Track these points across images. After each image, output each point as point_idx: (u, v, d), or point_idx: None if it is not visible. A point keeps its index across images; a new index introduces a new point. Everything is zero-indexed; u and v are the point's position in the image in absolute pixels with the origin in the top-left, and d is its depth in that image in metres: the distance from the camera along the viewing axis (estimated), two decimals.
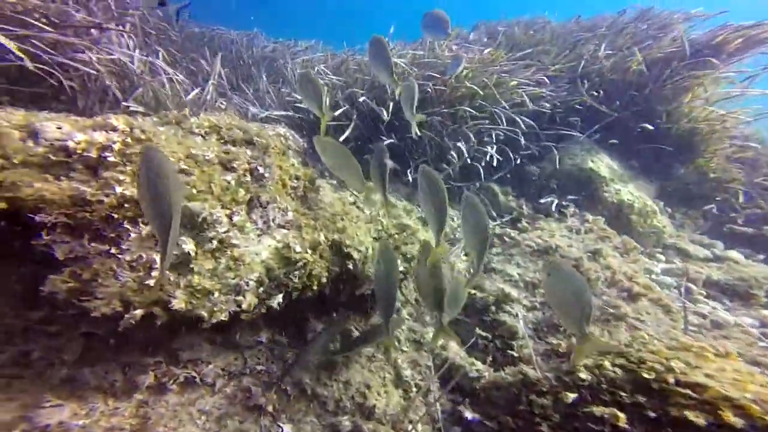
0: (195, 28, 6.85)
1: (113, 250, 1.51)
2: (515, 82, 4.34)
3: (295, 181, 2.46)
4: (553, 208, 4.16)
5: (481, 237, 1.86)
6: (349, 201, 3.17)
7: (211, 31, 7.00)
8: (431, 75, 3.97)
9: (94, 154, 1.57)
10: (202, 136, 2.27)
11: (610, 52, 5.06)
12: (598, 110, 4.78)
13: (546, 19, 6.40)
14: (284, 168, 2.33)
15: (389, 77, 2.69)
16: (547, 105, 4.58)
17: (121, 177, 1.59)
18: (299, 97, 3.88)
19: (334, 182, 3.45)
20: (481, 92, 3.97)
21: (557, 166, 4.43)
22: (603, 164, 4.53)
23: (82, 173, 1.57)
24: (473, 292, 2.77)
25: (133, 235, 1.55)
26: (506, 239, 3.62)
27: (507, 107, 4.10)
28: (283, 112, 4.05)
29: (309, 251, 1.94)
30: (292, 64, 5.39)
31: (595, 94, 4.85)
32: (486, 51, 4.66)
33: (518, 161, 4.42)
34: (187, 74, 4.60)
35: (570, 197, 4.28)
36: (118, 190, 1.55)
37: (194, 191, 1.74)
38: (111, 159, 1.61)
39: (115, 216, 1.53)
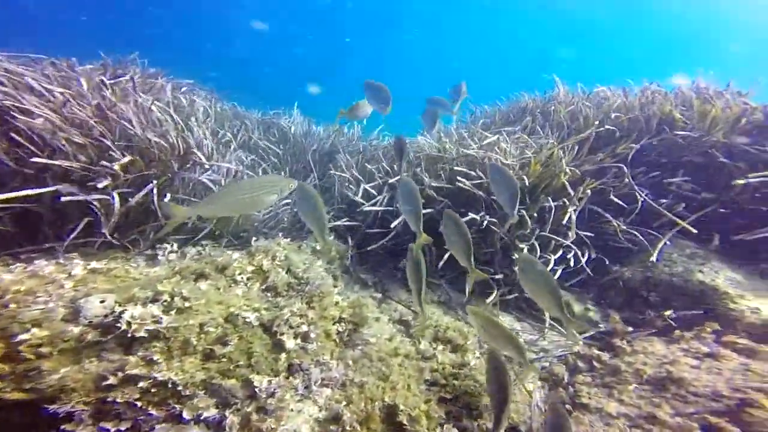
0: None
1: None
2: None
3: (341, 324, 2.30)
4: (659, 325, 3.28)
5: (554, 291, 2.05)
6: (395, 319, 2.96)
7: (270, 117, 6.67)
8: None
9: (132, 331, 1.49)
10: (245, 283, 2.22)
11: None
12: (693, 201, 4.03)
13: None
14: (328, 316, 2.18)
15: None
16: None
17: (155, 357, 1.48)
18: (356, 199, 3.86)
19: (378, 295, 3.28)
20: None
21: (650, 274, 3.71)
22: (719, 276, 3.58)
23: (115, 352, 1.48)
24: None
25: (158, 425, 1.40)
26: (596, 363, 2.84)
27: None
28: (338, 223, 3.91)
29: (358, 427, 1.70)
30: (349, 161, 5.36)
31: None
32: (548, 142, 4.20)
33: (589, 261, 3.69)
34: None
35: (678, 313, 3.37)
36: (151, 373, 1.44)
37: (231, 366, 1.60)
38: (145, 335, 1.52)
39: (139, 404, 1.40)
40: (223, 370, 1.58)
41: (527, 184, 3.62)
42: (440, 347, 2.59)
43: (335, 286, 2.93)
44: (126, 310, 1.51)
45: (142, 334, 1.48)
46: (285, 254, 2.54)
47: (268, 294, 2.19)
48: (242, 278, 2.23)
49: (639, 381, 2.52)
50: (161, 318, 1.55)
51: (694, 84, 5.08)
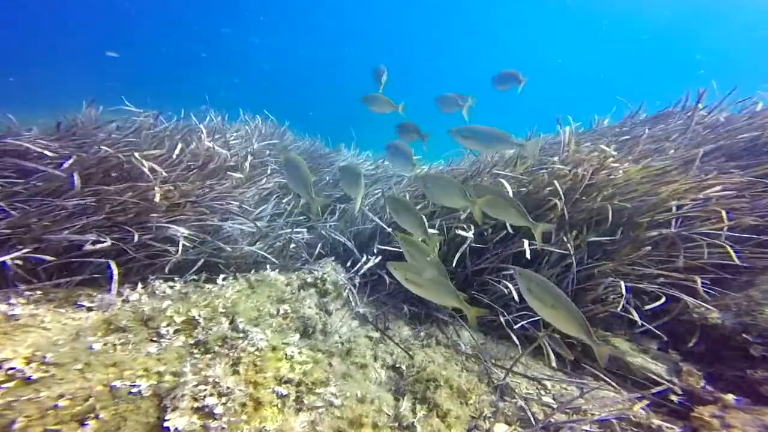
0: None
1: None
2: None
3: (288, 386, 1.86)
4: None
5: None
6: (388, 364, 2.48)
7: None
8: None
9: None
10: (169, 337, 1.86)
11: None
12: None
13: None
14: (264, 380, 1.75)
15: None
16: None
17: None
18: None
19: (375, 335, 2.77)
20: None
21: (750, 320, 2.59)
22: None
23: None
24: None
25: None
26: None
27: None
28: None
29: None
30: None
31: None
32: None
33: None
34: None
35: None
36: None
37: None
38: None
39: None
40: None
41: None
42: (422, 412, 2.05)
43: (323, 325, 2.55)
44: None
45: None
46: (232, 300, 2.17)
47: (195, 351, 1.81)
48: (168, 331, 1.88)
49: None
50: None
51: None
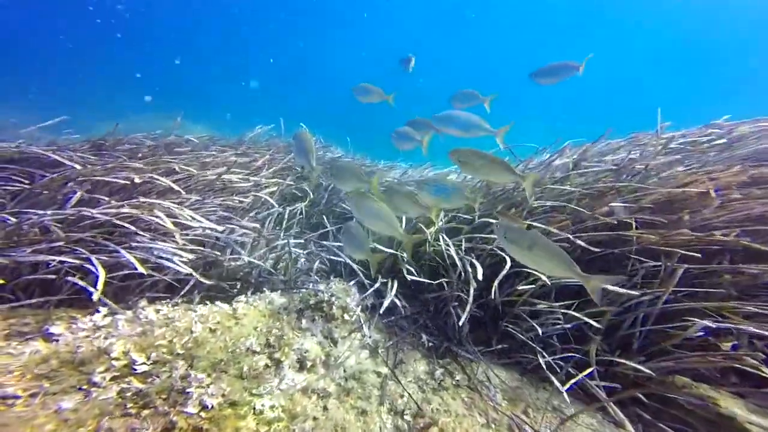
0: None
1: None
2: None
3: None
4: None
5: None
6: (396, 409, 1.99)
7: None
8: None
9: None
10: (104, 387, 1.49)
11: None
12: None
13: None
14: None
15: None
16: None
17: None
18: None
19: (384, 370, 2.29)
20: None
21: None
22: None
23: None
24: None
25: None
26: None
27: None
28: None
29: None
30: None
31: None
32: None
33: None
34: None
35: None
36: None
37: None
38: None
39: None
40: None
41: None
42: None
43: (326, 356, 2.11)
44: None
45: None
46: (197, 337, 1.78)
47: (131, 406, 1.43)
48: (105, 378, 1.51)
49: None
50: None
51: None
